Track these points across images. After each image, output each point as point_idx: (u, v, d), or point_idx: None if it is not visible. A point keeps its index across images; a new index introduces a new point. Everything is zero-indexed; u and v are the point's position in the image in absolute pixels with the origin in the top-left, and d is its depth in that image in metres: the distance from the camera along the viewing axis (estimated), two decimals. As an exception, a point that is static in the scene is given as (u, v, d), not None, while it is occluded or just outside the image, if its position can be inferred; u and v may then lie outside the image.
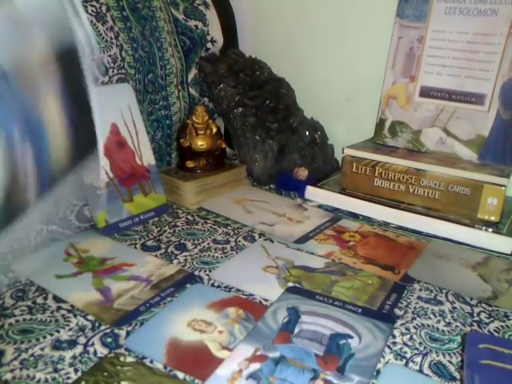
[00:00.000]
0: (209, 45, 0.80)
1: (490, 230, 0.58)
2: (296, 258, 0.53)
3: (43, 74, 0.34)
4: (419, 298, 0.46)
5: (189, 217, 0.64)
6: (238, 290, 0.46)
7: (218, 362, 0.36)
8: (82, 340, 0.39)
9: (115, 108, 0.61)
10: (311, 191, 0.71)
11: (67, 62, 0.37)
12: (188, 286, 0.47)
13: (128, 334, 0.39)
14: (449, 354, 0.39)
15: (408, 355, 0.38)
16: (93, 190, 0.57)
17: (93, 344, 0.38)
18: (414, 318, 0.43)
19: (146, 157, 0.64)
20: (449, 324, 0.43)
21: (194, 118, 0.70)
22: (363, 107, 0.80)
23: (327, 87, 0.85)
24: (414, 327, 0.42)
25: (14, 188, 0.33)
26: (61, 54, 0.36)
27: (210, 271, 0.50)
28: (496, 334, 0.41)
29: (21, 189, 0.34)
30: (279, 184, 0.76)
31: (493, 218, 0.60)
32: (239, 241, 0.57)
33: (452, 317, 0.44)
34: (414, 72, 0.71)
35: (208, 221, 0.63)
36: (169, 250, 0.54)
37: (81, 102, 0.39)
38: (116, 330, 0.40)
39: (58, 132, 0.36)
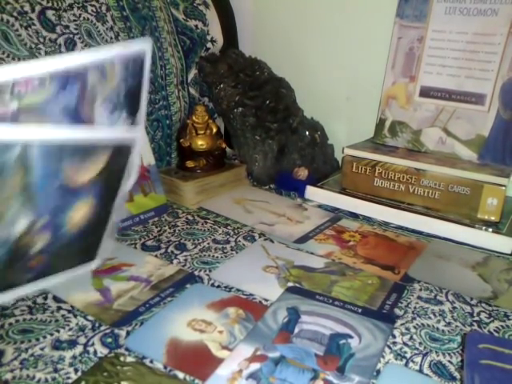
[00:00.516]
0: (209, 45, 0.80)
1: (490, 229, 0.58)
2: (296, 258, 0.53)
3: (93, 168, 0.37)
4: (419, 297, 0.46)
5: (189, 217, 0.64)
6: (238, 290, 0.46)
7: (217, 361, 0.36)
8: (82, 340, 0.39)
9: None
10: (311, 191, 0.71)
11: (117, 158, 0.39)
12: (188, 285, 0.47)
13: (128, 333, 0.39)
14: (449, 354, 0.39)
15: (408, 355, 0.38)
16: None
17: (93, 344, 0.38)
18: (413, 318, 0.43)
19: (146, 157, 0.64)
20: (449, 324, 0.43)
21: (193, 117, 0.70)
22: (363, 107, 0.80)
23: (327, 87, 0.85)
24: (414, 327, 0.42)
25: (17, 254, 0.36)
26: (117, 148, 0.38)
27: (209, 271, 0.50)
28: (496, 334, 0.41)
29: (23, 258, 0.37)
30: (279, 184, 0.76)
31: (493, 218, 0.60)
32: (239, 241, 0.57)
33: (452, 317, 0.44)
34: (413, 72, 0.71)
35: (208, 221, 0.63)
36: (169, 250, 0.54)
37: (108, 205, 0.41)
38: (116, 330, 0.40)
39: (73, 227, 0.39)
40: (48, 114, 0.31)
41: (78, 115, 0.33)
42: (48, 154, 0.33)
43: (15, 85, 0.29)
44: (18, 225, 0.34)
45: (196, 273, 0.49)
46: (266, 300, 0.45)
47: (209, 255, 0.53)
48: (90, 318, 0.41)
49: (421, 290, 0.48)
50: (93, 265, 0.45)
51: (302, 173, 0.75)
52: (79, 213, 0.38)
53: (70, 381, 0.34)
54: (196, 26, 0.78)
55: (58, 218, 0.37)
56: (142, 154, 0.63)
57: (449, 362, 0.38)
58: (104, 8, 0.65)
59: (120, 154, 0.39)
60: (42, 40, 0.57)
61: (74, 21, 0.61)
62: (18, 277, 0.38)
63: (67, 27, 0.60)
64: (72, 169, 0.35)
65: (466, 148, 0.67)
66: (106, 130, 0.36)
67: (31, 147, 0.31)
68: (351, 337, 0.39)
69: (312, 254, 0.54)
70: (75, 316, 0.42)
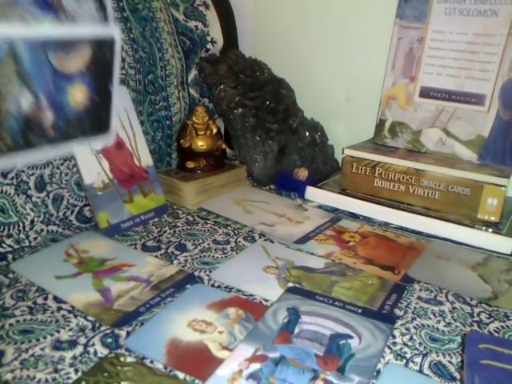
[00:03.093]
0: (209, 45, 0.80)
1: (490, 230, 0.58)
2: (296, 259, 0.53)
3: (79, 58, 0.46)
4: (419, 298, 0.46)
5: (189, 217, 0.64)
6: (238, 291, 0.46)
7: (218, 362, 0.36)
8: (83, 340, 0.39)
9: (112, 109, 0.61)
10: (311, 192, 0.71)
11: (102, 51, 0.48)
12: (188, 286, 0.47)
13: (128, 334, 0.40)
14: (449, 354, 0.39)
15: (408, 355, 0.38)
16: (93, 192, 0.57)
17: (93, 344, 0.38)
18: (413, 319, 0.43)
19: (144, 158, 0.64)
20: (449, 324, 0.43)
21: (194, 118, 0.70)
22: (363, 108, 0.80)
23: (327, 88, 0.85)
24: (414, 327, 0.42)
25: (33, 122, 0.45)
26: (99, 43, 0.47)
27: (210, 271, 0.50)
28: (496, 335, 0.41)
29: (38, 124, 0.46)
30: (279, 184, 0.76)
31: (493, 219, 0.60)
32: (239, 241, 0.57)
33: (452, 317, 0.44)
34: (413, 72, 0.71)
35: (208, 221, 0.63)
36: (169, 251, 0.54)
37: (105, 88, 0.51)
38: (116, 331, 0.40)
39: (78, 105, 0.49)
40: (19, 5, 0.39)
41: (46, 2, 0.42)
42: (32, 47, 0.41)
43: None
44: (23, 102, 0.43)
45: (196, 273, 0.49)
46: (266, 300, 0.45)
47: (209, 256, 0.53)
48: (90, 318, 0.41)
49: (421, 290, 0.48)
50: (109, 138, 0.55)
51: (302, 173, 0.75)
52: (78, 94, 0.48)
53: (70, 381, 0.34)
54: (196, 27, 0.78)
55: (57, 98, 0.46)
56: (140, 156, 0.63)
57: (449, 362, 0.38)
58: (104, 9, 0.65)
59: (102, 49, 0.47)
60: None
61: (75, 22, 0.61)
62: (38, 139, 0.47)
63: (67, 28, 0.60)
64: (59, 59, 0.44)
65: (466, 148, 0.67)
66: (83, 26, 0.45)
67: (16, 42, 0.40)
68: (351, 337, 0.39)
69: (312, 254, 0.54)
70: (75, 316, 0.42)
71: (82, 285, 0.46)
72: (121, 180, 0.60)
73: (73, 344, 0.38)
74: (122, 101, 0.63)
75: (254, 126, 0.75)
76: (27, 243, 0.54)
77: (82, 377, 0.34)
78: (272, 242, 0.57)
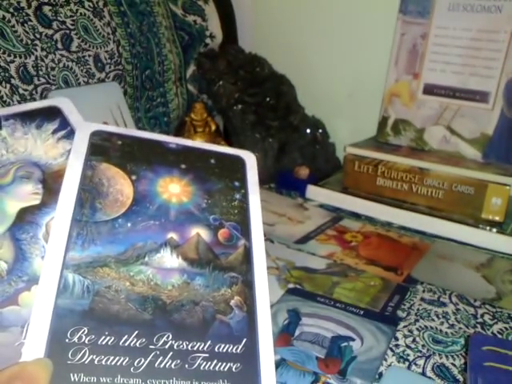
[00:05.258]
0: (208, 40, 0.79)
1: (494, 230, 0.58)
2: (297, 259, 0.52)
3: None
4: (422, 299, 0.46)
5: (188, 216, 0.63)
6: (238, 291, 0.46)
7: (216, 365, 0.35)
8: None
9: (105, 107, 0.60)
10: (312, 190, 0.70)
11: None
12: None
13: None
14: (452, 357, 0.38)
15: (411, 358, 0.37)
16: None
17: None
18: (416, 320, 0.42)
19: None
20: (452, 326, 0.42)
21: (192, 115, 0.70)
22: (365, 105, 0.79)
23: (329, 84, 0.84)
24: (417, 329, 0.41)
25: None
26: None
27: (208, 271, 0.49)
28: (500, 336, 0.41)
29: None
30: (279, 183, 0.75)
31: (497, 218, 0.59)
32: (239, 240, 0.56)
33: (455, 318, 0.43)
34: (417, 69, 0.70)
35: (207, 220, 0.62)
36: (167, 250, 0.53)
37: None
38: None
39: None
40: None
41: None
42: None
43: None
44: None
45: (195, 273, 0.49)
46: (266, 301, 0.44)
47: (208, 255, 0.53)
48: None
49: (424, 291, 0.47)
50: None
51: (303, 172, 0.74)
52: None
53: None
54: (195, 22, 0.77)
55: None
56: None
57: (452, 364, 0.37)
58: (101, 3, 0.64)
59: None
60: (38, 36, 0.56)
61: (71, 16, 0.60)
62: None
63: (64, 23, 0.59)
64: None
65: (470, 146, 0.66)
66: None
67: None
68: (353, 339, 0.39)
69: (313, 254, 0.54)
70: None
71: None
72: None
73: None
74: (114, 97, 0.62)
75: (254, 123, 0.74)
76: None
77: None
78: (272, 241, 0.57)
